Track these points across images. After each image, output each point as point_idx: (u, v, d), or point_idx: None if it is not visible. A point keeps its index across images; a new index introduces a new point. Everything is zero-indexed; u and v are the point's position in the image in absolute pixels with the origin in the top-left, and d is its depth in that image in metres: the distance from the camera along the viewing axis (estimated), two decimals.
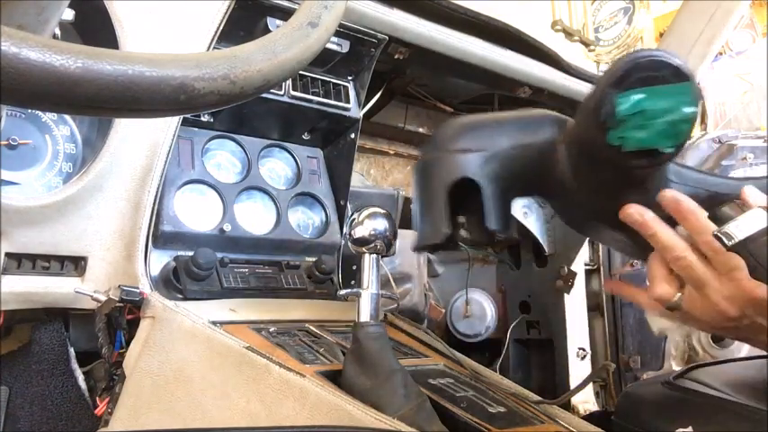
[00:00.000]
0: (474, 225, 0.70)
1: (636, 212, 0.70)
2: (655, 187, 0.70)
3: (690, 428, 0.74)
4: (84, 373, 1.00)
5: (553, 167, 0.69)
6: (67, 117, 0.96)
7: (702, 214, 0.70)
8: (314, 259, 1.14)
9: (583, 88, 1.39)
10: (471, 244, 0.73)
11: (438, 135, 0.73)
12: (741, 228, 0.69)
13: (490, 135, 0.71)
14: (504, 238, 0.75)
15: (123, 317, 0.91)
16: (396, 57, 1.18)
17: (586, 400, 1.55)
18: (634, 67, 0.61)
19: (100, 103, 0.43)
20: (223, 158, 1.15)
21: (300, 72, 0.86)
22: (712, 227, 0.74)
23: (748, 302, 0.69)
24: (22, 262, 0.86)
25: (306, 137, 1.25)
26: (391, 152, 1.56)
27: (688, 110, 0.62)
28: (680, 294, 0.72)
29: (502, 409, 0.85)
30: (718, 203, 0.70)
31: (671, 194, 0.70)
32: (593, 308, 1.67)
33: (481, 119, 0.74)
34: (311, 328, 0.98)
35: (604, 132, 0.62)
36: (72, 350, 1.00)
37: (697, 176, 0.72)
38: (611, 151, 0.63)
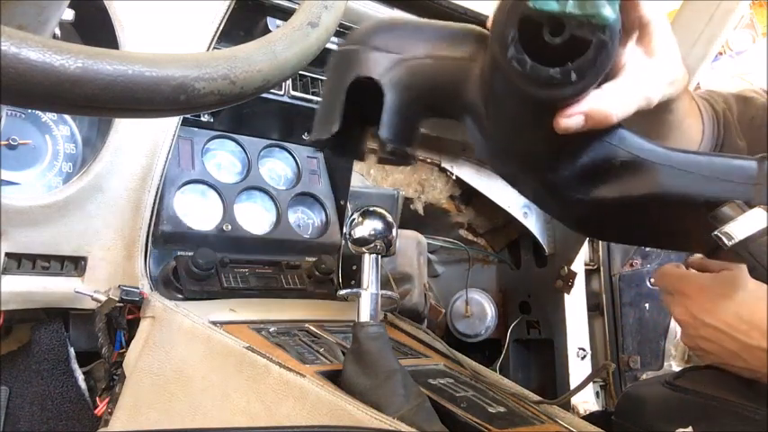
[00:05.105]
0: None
1: None
2: (587, 148, 0.57)
3: (690, 428, 0.74)
4: (84, 373, 1.00)
5: (464, 88, 0.60)
6: (67, 117, 0.96)
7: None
8: (314, 259, 1.14)
9: None
10: (380, 159, 0.66)
11: (358, 29, 0.66)
12: (741, 228, 0.69)
13: (408, 38, 0.62)
14: (398, 152, 0.67)
15: (123, 317, 0.91)
16: None
17: (586, 400, 1.55)
18: None
19: (100, 104, 0.43)
20: (223, 158, 1.15)
21: (300, 72, 0.86)
22: (712, 227, 0.74)
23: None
24: (22, 262, 0.86)
25: (306, 137, 1.25)
26: None
27: None
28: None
29: (502, 409, 0.85)
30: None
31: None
32: (593, 308, 1.67)
33: (404, 20, 0.67)
34: (311, 328, 0.98)
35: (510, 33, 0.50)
36: (72, 350, 1.00)
37: (655, 148, 0.58)
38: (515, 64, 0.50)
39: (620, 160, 0.58)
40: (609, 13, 0.48)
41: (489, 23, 0.55)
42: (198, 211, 1.07)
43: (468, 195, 1.71)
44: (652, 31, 0.57)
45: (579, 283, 1.59)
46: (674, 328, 1.57)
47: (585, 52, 0.49)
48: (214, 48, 0.94)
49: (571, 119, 0.51)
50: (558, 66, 0.49)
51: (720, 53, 2.91)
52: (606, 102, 0.52)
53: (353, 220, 0.87)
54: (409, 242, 1.42)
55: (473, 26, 0.63)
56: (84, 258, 0.90)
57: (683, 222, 0.63)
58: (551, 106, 0.53)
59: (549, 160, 0.59)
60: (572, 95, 0.51)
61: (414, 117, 0.63)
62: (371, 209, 0.87)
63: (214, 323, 0.86)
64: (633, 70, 0.56)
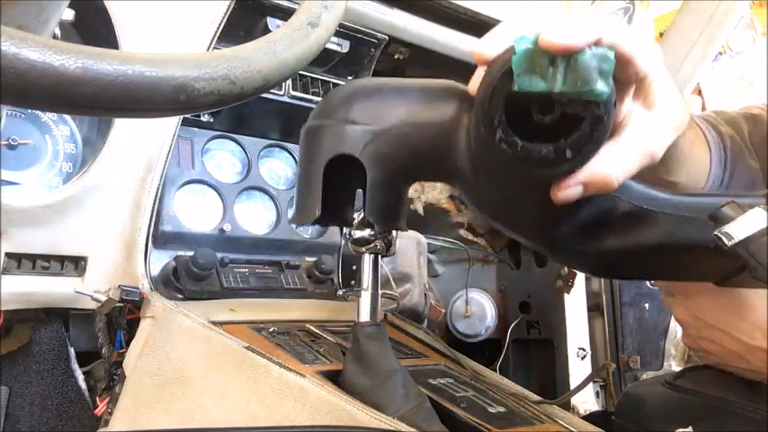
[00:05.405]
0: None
1: None
2: (587, 205, 0.53)
3: (690, 428, 0.74)
4: (84, 373, 1.00)
5: (450, 155, 0.55)
6: (67, 117, 0.96)
7: None
8: (314, 259, 1.14)
9: None
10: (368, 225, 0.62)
11: (328, 98, 0.60)
12: (741, 228, 0.69)
13: (383, 105, 0.57)
14: (386, 229, 0.63)
15: (123, 317, 0.91)
16: (396, 57, 1.18)
17: (586, 400, 1.55)
18: None
19: (100, 104, 0.43)
20: (223, 158, 1.15)
21: (300, 72, 0.86)
22: (712, 227, 0.74)
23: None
24: (22, 262, 0.86)
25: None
26: None
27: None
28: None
29: (502, 409, 0.85)
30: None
31: None
32: (593, 308, 1.67)
33: (379, 84, 0.60)
34: (311, 328, 0.98)
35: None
36: (72, 350, 1.00)
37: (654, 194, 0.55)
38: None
39: (622, 211, 0.55)
40: (602, 87, 0.44)
41: (471, 89, 0.51)
42: (198, 211, 1.07)
43: None
44: (649, 84, 0.53)
45: (579, 283, 1.59)
46: (674, 328, 1.57)
47: (580, 126, 0.46)
48: (214, 48, 0.94)
49: (569, 190, 0.48)
50: (551, 140, 0.46)
51: (720, 53, 2.91)
52: (606, 166, 0.49)
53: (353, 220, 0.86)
54: (409, 242, 1.42)
55: (453, 85, 0.58)
56: (84, 258, 0.90)
57: (693, 263, 0.61)
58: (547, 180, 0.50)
59: (546, 222, 0.57)
60: (568, 171, 0.48)
61: (400, 187, 0.60)
62: None
63: (214, 323, 0.86)
64: (633, 127, 0.53)
